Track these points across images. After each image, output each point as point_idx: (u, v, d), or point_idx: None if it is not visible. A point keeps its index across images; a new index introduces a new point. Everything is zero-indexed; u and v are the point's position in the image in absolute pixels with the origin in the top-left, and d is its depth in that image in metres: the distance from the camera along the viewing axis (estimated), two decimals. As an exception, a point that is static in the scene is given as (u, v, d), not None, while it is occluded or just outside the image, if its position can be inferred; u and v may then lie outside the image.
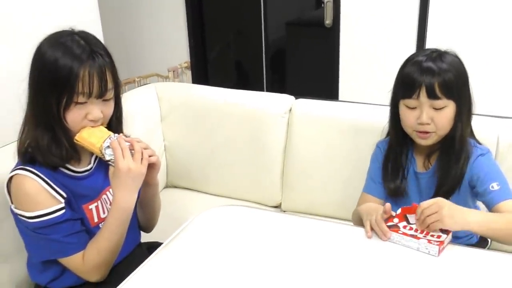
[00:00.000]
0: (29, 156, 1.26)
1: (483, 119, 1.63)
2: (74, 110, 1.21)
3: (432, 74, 1.33)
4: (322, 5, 3.08)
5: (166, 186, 2.29)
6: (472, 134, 1.47)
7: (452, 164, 1.41)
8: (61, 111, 1.21)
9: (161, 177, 1.39)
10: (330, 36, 3.06)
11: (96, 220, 1.36)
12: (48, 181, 1.24)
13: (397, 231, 1.26)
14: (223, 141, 2.09)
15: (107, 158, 1.25)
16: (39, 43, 1.23)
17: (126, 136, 1.30)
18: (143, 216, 1.52)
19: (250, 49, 3.60)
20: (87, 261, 1.29)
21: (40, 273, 1.37)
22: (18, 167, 1.25)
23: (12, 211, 1.28)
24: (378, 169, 1.54)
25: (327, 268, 1.19)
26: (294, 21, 3.45)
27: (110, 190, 1.39)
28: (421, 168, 1.49)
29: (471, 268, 1.18)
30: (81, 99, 1.20)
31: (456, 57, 1.40)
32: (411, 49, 2.81)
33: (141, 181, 1.28)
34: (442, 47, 1.42)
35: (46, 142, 1.23)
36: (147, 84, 2.45)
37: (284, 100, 2.03)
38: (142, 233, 1.57)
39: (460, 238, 1.48)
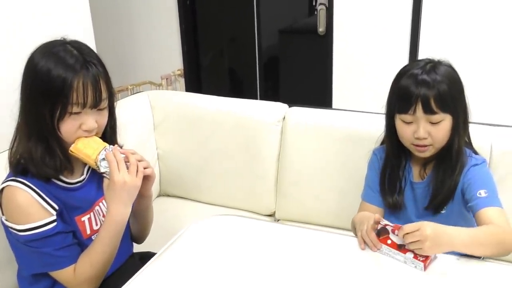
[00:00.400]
0: (21, 167, 1.24)
1: (476, 127, 1.63)
2: (68, 121, 1.20)
3: (427, 87, 1.32)
4: (315, 13, 3.09)
5: (159, 195, 2.27)
6: (469, 143, 1.47)
7: (447, 175, 1.40)
8: (55, 122, 1.19)
9: (154, 186, 1.39)
10: (323, 44, 3.07)
11: (88, 232, 1.34)
12: (40, 193, 1.23)
13: (386, 240, 1.25)
14: (217, 149, 2.09)
15: (102, 170, 1.24)
16: (31, 54, 1.22)
17: (120, 147, 1.29)
18: (136, 227, 1.51)
19: (244, 57, 3.61)
20: (79, 274, 1.28)
21: (30, 285, 1.35)
22: (10, 179, 1.23)
23: (2, 223, 1.26)
24: (376, 178, 1.53)
25: (321, 278, 1.19)
26: (287, 28, 3.46)
27: (103, 201, 1.38)
28: (417, 177, 1.49)
29: (463, 279, 1.18)
30: (75, 109, 1.19)
31: (450, 67, 1.40)
32: (404, 56, 2.82)
33: (135, 194, 1.27)
34: (436, 56, 1.42)
35: (40, 153, 1.22)
36: (140, 92, 2.44)
37: (278, 108, 2.03)
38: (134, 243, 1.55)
39: None
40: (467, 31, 2.66)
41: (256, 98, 3.52)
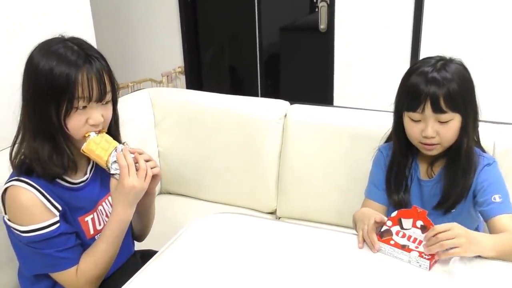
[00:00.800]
0: (25, 167, 1.23)
1: (479, 124, 1.62)
2: (75, 116, 1.20)
3: (437, 86, 1.30)
4: (317, 10, 3.09)
5: (160, 193, 2.27)
6: (477, 142, 1.45)
7: (459, 176, 1.39)
8: (61, 119, 1.19)
9: (155, 184, 1.39)
10: (325, 41, 3.06)
11: (92, 232, 1.34)
12: (45, 193, 1.22)
13: (389, 241, 1.24)
14: (218, 147, 2.08)
15: (112, 172, 1.26)
16: (30, 54, 1.21)
17: (128, 145, 1.29)
18: (138, 224, 1.51)
19: (244, 54, 3.60)
20: (82, 275, 1.27)
21: (32, 285, 1.35)
22: (14, 178, 1.22)
23: (5, 223, 1.25)
24: (381, 175, 1.52)
25: (322, 276, 1.18)
26: (288, 25, 3.45)
27: (106, 201, 1.38)
28: (424, 175, 1.48)
29: (467, 278, 1.17)
30: (81, 104, 1.18)
31: (462, 65, 1.37)
32: (406, 53, 2.81)
33: (141, 196, 1.29)
34: (447, 54, 1.39)
35: (47, 152, 1.21)
36: (140, 89, 2.43)
37: (279, 105, 2.02)
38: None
39: None
40: (469, 28, 2.65)
41: (257, 96, 3.52)
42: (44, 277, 1.31)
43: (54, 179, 1.26)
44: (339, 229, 1.69)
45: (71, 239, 1.28)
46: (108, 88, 1.23)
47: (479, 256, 1.20)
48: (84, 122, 1.22)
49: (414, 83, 1.34)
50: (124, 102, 2.06)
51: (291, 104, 2.03)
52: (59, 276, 1.28)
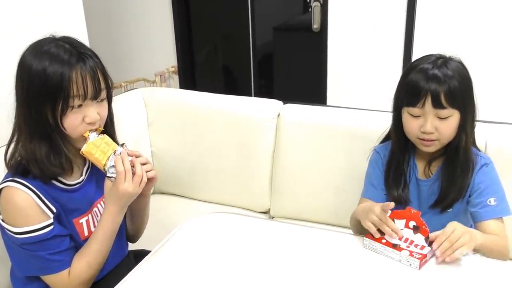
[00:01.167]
0: (21, 168, 1.23)
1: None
2: (71, 115, 1.19)
3: (438, 82, 1.30)
4: (310, 9, 3.09)
5: (154, 192, 2.26)
6: (473, 141, 1.46)
7: (457, 174, 1.40)
8: (58, 118, 1.18)
9: (148, 184, 1.39)
10: (318, 41, 3.06)
11: (86, 234, 1.34)
12: (40, 194, 1.22)
13: (380, 240, 1.25)
14: (211, 146, 2.08)
15: (109, 175, 1.26)
16: (22, 55, 1.20)
17: (127, 147, 1.30)
18: (132, 225, 1.51)
19: (238, 54, 3.60)
20: (76, 276, 1.27)
21: (24, 286, 1.34)
22: (9, 179, 1.22)
23: None
24: (379, 175, 1.52)
25: (315, 275, 1.18)
26: (281, 25, 3.45)
27: (101, 202, 1.38)
28: (421, 175, 1.48)
29: (457, 277, 1.18)
30: (77, 102, 1.18)
31: (461, 63, 1.38)
32: (399, 53, 2.82)
33: (133, 199, 1.30)
34: (446, 53, 1.40)
35: (45, 153, 1.21)
36: (133, 89, 2.43)
37: (272, 105, 2.02)
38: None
39: None
40: (460, 28, 2.67)
41: (251, 95, 3.52)
42: (37, 278, 1.30)
43: (51, 179, 1.25)
44: (333, 228, 1.70)
45: (65, 242, 1.27)
46: (103, 85, 1.23)
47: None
48: (80, 121, 1.21)
49: (414, 79, 1.34)
50: (117, 102, 2.04)
51: (284, 103, 2.03)
52: (51, 278, 1.27)
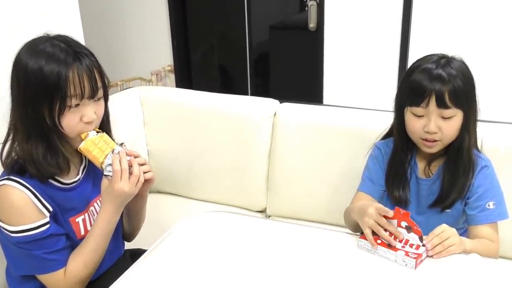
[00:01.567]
0: (18, 166, 1.22)
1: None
2: (68, 115, 1.19)
3: (442, 82, 1.30)
4: (306, 8, 3.09)
5: (150, 192, 2.23)
6: (475, 142, 1.45)
7: (460, 174, 1.40)
8: (55, 118, 1.18)
9: (144, 183, 1.39)
10: (314, 39, 3.06)
11: (82, 233, 1.34)
12: (36, 193, 1.21)
13: (376, 240, 1.25)
14: (207, 145, 2.08)
15: (106, 173, 1.26)
16: (17, 55, 1.20)
17: (125, 147, 1.30)
18: (129, 225, 1.51)
19: (234, 53, 3.60)
20: (72, 276, 1.27)
21: (20, 285, 1.34)
22: (5, 177, 1.21)
23: None
24: (378, 171, 1.51)
25: (311, 274, 1.18)
26: (278, 24, 3.45)
27: (98, 201, 1.38)
28: (421, 174, 1.48)
29: (453, 276, 1.18)
30: (74, 101, 1.18)
31: (463, 63, 1.38)
32: (395, 51, 2.83)
33: (130, 199, 1.30)
34: (448, 52, 1.40)
35: (42, 152, 1.21)
36: (130, 88, 2.42)
37: (269, 104, 2.02)
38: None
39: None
40: (456, 27, 2.67)
41: (247, 94, 3.52)
42: (32, 277, 1.30)
43: (48, 179, 1.25)
44: (329, 227, 1.70)
45: (61, 241, 1.27)
46: (99, 84, 1.22)
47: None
48: (78, 120, 1.21)
49: (418, 79, 1.33)
50: (113, 101, 2.04)
51: (280, 102, 2.03)
52: (47, 278, 1.27)
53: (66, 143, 1.25)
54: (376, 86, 2.90)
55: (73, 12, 2.19)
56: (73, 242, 1.31)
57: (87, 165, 1.37)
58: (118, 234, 1.44)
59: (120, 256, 1.47)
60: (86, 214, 1.35)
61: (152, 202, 2.07)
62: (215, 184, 2.11)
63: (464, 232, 1.47)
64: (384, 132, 1.57)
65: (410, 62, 1.44)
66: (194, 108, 2.10)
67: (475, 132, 1.43)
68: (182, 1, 3.55)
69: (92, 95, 1.21)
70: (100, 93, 1.23)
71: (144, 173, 1.29)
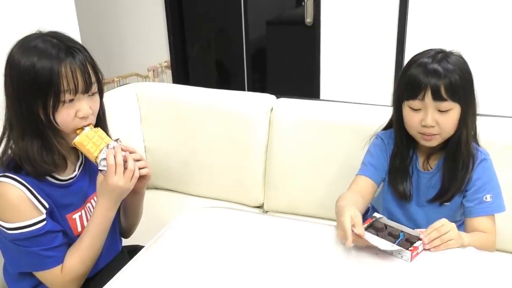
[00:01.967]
0: (13, 164, 1.22)
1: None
2: (63, 110, 1.19)
3: (438, 76, 1.30)
4: (303, 3, 3.09)
5: (147, 188, 2.24)
6: (474, 136, 1.46)
7: (459, 169, 1.40)
8: (49, 114, 1.18)
9: (141, 179, 1.39)
10: (311, 35, 3.06)
11: (79, 229, 1.33)
12: (33, 190, 1.21)
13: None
14: (204, 141, 2.08)
15: (100, 168, 1.26)
16: (10, 52, 1.19)
17: (121, 142, 1.29)
18: (126, 222, 1.51)
19: (231, 48, 3.59)
20: (68, 272, 1.27)
21: (17, 282, 1.34)
22: (1, 175, 1.21)
23: None
24: (381, 157, 1.51)
25: (309, 269, 1.19)
26: (274, 19, 3.45)
27: (95, 198, 1.37)
28: (421, 167, 1.49)
29: (448, 269, 1.19)
30: (68, 97, 1.17)
31: (461, 57, 1.38)
32: (392, 47, 2.83)
33: (125, 195, 1.29)
34: (446, 47, 1.40)
35: (37, 150, 1.20)
36: (126, 84, 2.42)
37: (266, 99, 2.02)
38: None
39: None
40: (453, 22, 2.67)
41: (244, 90, 3.52)
42: (29, 274, 1.30)
43: (44, 177, 1.25)
44: (326, 222, 1.70)
45: (58, 238, 1.27)
46: (93, 78, 1.22)
47: None
48: (73, 116, 1.21)
49: (414, 73, 1.33)
50: (110, 97, 2.06)
51: (277, 98, 2.03)
52: (44, 275, 1.27)
53: (62, 140, 1.25)
54: (373, 81, 2.90)
55: (69, 8, 2.19)
56: (70, 239, 1.31)
57: (83, 161, 1.36)
58: (115, 230, 1.45)
59: (117, 253, 1.47)
60: (83, 211, 1.35)
61: (149, 198, 2.07)
62: (212, 180, 2.11)
63: (461, 224, 1.48)
64: (384, 125, 1.57)
65: (407, 57, 1.45)
66: (191, 104, 2.10)
67: (474, 126, 1.43)
68: (178, -4, 3.54)
69: (86, 90, 1.20)
70: (94, 87, 1.23)
71: (140, 168, 1.29)
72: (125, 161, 1.26)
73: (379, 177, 1.51)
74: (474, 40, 2.65)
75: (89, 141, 1.23)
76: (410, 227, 1.29)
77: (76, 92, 1.18)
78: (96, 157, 1.24)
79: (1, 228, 1.21)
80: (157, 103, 2.16)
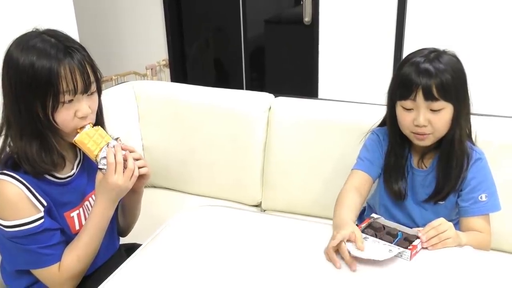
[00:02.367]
0: (11, 162, 1.22)
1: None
2: (62, 111, 1.19)
3: (429, 76, 1.30)
4: (301, 2, 3.08)
5: (145, 186, 2.24)
6: (468, 135, 1.46)
7: (453, 168, 1.40)
8: (49, 115, 1.17)
9: (139, 177, 1.39)
10: (309, 34, 3.06)
11: (77, 228, 1.33)
12: (31, 188, 1.21)
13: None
14: (202, 140, 2.08)
15: (100, 166, 1.26)
16: (7, 51, 1.18)
17: (121, 141, 1.29)
18: (124, 220, 1.51)
19: (229, 47, 3.59)
20: (65, 270, 1.27)
21: (14, 280, 1.34)
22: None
23: None
24: (376, 152, 1.51)
25: (306, 268, 1.19)
26: (273, 18, 3.44)
27: (93, 196, 1.37)
28: (415, 165, 1.49)
29: (447, 268, 1.19)
30: (67, 97, 1.17)
31: (454, 57, 1.38)
32: (390, 46, 2.83)
33: (124, 194, 1.29)
34: (440, 46, 1.40)
35: (36, 150, 1.20)
36: (124, 82, 2.41)
37: (264, 98, 2.02)
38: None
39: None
40: (451, 20, 2.67)
41: (242, 88, 3.52)
42: (27, 272, 1.30)
43: (42, 175, 1.24)
44: (324, 221, 1.70)
45: (55, 236, 1.27)
46: (92, 78, 1.22)
47: None
48: (72, 116, 1.21)
49: (406, 73, 1.34)
50: (108, 96, 2.05)
51: (276, 96, 2.03)
52: (41, 272, 1.27)
53: (60, 139, 1.25)
54: (371, 80, 2.91)
55: (67, 7, 2.19)
56: (67, 237, 1.31)
57: (82, 159, 1.36)
58: (113, 229, 1.45)
59: (115, 251, 1.47)
60: (81, 209, 1.35)
61: (147, 197, 2.07)
62: (210, 178, 2.11)
63: (456, 223, 1.48)
64: (379, 121, 1.58)
65: (405, 56, 1.45)
66: (189, 102, 2.10)
67: (467, 125, 1.43)
68: (177, -5, 3.54)
69: (85, 90, 1.20)
70: (93, 87, 1.23)
71: (139, 168, 1.29)
72: (125, 160, 1.26)
73: (375, 172, 1.52)
74: (472, 39, 2.65)
75: (89, 139, 1.24)
76: (408, 224, 1.29)
77: (75, 92, 1.18)
78: (97, 155, 1.25)
79: None
80: (155, 101, 2.16)
